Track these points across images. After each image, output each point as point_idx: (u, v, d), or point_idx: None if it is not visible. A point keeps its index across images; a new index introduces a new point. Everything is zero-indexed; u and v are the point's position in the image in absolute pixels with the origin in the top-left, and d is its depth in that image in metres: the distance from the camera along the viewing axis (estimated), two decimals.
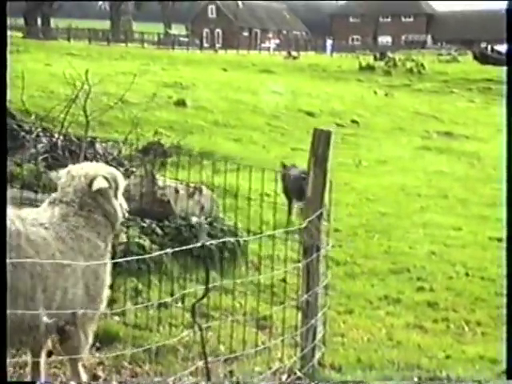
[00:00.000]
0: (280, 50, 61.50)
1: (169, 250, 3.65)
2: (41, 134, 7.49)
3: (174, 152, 9.30)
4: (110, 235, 3.97)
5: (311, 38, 79.98)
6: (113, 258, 4.10)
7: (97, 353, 4.71)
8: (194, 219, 6.34)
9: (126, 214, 4.13)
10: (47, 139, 7.35)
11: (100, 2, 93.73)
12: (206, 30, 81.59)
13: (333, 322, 5.71)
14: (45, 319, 3.40)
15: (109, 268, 3.98)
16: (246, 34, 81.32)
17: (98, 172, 3.92)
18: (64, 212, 3.79)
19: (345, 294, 6.57)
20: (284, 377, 4.60)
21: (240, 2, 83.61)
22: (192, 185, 6.79)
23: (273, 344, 4.87)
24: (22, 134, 7.32)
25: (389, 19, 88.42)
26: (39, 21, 53.03)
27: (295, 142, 14.71)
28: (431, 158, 15.52)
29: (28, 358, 4.00)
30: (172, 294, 5.17)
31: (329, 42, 67.35)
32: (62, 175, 3.95)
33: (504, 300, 6.15)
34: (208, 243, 3.81)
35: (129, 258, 3.92)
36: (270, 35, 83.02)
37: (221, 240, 4.84)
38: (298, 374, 4.57)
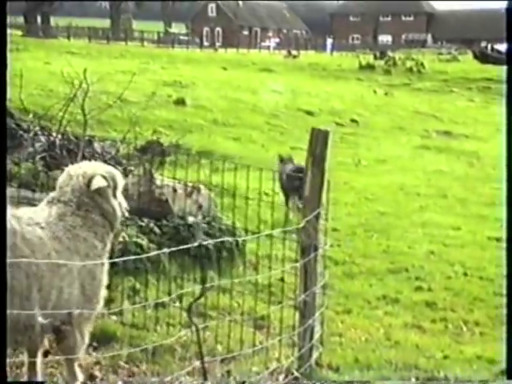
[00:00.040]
0: (280, 48, 61.48)
1: (165, 250, 3.64)
2: (39, 132, 7.47)
3: (172, 151, 9.29)
4: (109, 235, 3.96)
5: (311, 37, 79.93)
6: (111, 257, 4.09)
7: (94, 352, 4.71)
8: (191, 219, 6.33)
9: (126, 213, 4.12)
10: (45, 138, 7.34)
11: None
12: (206, 29, 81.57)
13: (331, 322, 5.70)
14: (40, 319, 3.39)
15: (106, 268, 3.97)
16: (246, 32, 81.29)
17: (96, 171, 3.90)
18: (61, 211, 3.78)
19: (343, 294, 6.56)
20: (281, 377, 4.59)
21: (240, 1, 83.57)
22: (190, 184, 6.78)
23: (270, 344, 4.86)
24: (20, 132, 7.30)
25: (389, 18, 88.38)
26: (39, 19, 53.00)
27: (294, 141, 14.67)
28: (430, 157, 15.51)
29: (25, 357, 3.99)
30: (170, 294, 5.16)
31: (329, 41, 67.29)
32: (61, 175, 3.95)
33: (502, 300, 6.16)
34: (204, 243, 3.78)
35: (125, 258, 3.90)
36: (270, 34, 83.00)
37: (218, 240, 4.82)
38: (296, 374, 4.56)
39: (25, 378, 4.00)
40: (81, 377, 3.96)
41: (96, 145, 7.44)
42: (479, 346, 5.58)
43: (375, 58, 39.82)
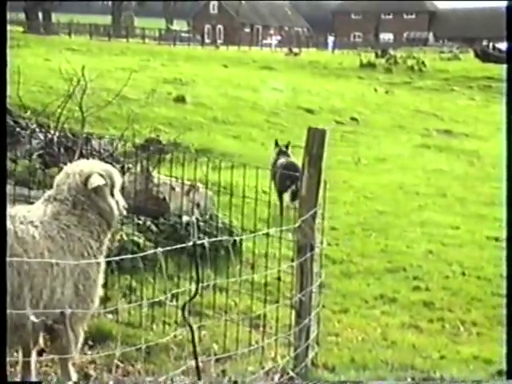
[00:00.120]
0: (281, 46, 61.44)
1: (159, 249, 3.62)
2: (37, 129, 7.45)
3: (171, 149, 9.27)
4: (106, 234, 3.94)
5: (313, 35, 79.88)
6: (109, 256, 4.07)
7: (89, 351, 4.70)
8: (185, 218, 6.31)
9: (124, 212, 4.11)
10: (43, 135, 7.32)
11: None
12: (207, 26, 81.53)
13: (327, 322, 5.68)
14: (32, 318, 3.38)
15: (102, 267, 3.95)
16: (247, 30, 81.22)
17: (93, 169, 3.89)
18: (56, 210, 3.77)
19: (340, 293, 6.55)
20: (277, 377, 4.58)
21: None
22: (188, 182, 6.76)
23: (266, 343, 4.84)
24: (18, 129, 7.29)
25: (390, 16, 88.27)
26: (40, 16, 52.93)
27: (294, 139, 14.62)
28: (430, 156, 15.48)
29: (19, 356, 3.98)
30: (166, 292, 5.14)
31: (330, 39, 67.26)
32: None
33: (500, 300, 6.16)
34: (199, 242, 3.77)
35: (119, 257, 3.89)
36: (272, 31, 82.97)
37: (212, 239, 4.81)
38: (291, 373, 4.55)
39: (18, 377, 3.99)
40: (74, 376, 3.95)
41: (94, 142, 7.41)
42: (476, 346, 5.56)
43: (376, 56, 39.77)
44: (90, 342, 4.77)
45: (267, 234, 5.06)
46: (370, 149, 15.67)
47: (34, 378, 3.98)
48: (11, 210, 3.67)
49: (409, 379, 4.83)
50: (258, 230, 5.17)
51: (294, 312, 4.73)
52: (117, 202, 3.98)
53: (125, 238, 5.83)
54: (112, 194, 3.95)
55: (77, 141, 6.97)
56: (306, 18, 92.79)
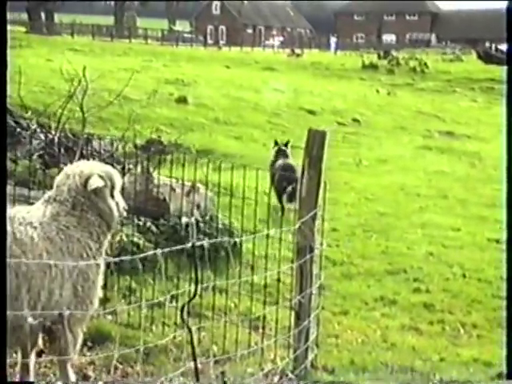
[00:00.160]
0: (284, 47, 61.44)
1: (158, 251, 3.62)
2: (37, 130, 7.45)
3: (172, 150, 9.26)
4: (105, 235, 3.94)
5: (315, 36, 79.88)
6: (108, 257, 4.06)
7: (88, 352, 4.69)
8: (184, 219, 6.30)
9: (125, 213, 4.10)
10: (44, 136, 7.32)
11: None
12: (210, 27, 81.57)
13: (327, 323, 5.68)
14: (29, 319, 3.37)
15: (101, 268, 3.94)
16: (249, 31, 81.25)
17: (93, 171, 3.88)
18: (55, 211, 3.77)
19: (340, 295, 6.54)
20: (276, 378, 4.57)
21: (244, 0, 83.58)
22: (188, 183, 6.75)
23: (266, 345, 4.84)
24: (19, 130, 7.29)
25: (393, 17, 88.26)
26: (43, 16, 52.97)
27: (296, 140, 14.62)
28: (432, 157, 15.47)
29: (18, 357, 3.98)
30: (169, 293, 5.13)
31: (333, 40, 67.24)
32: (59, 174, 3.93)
33: (500, 302, 6.14)
34: (198, 244, 3.76)
35: (118, 259, 3.88)
36: (274, 32, 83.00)
37: (211, 240, 4.80)
38: (290, 375, 4.54)
39: (17, 378, 3.98)
40: (73, 377, 3.94)
41: (95, 143, 7.41)
42: (476, 348, 5.55)
43: (379, 57, 39.76)
44: (89, 343, 4.77)
45: (267, 236, 5.04)
46: (371, 150, 15.66)
47: (32, 379, 3.98)
48: (10, 211, 3.66)
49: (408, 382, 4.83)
50: (258, 231, 5.16)
51: (293, 314, 4.72)
52: (117, 204, 3.98)
53: (124, 238, 5.82)
54: (112, 196, 3.95)
55: (77, 141, 6.97)
56: (308, 19, 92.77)
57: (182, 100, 17.86)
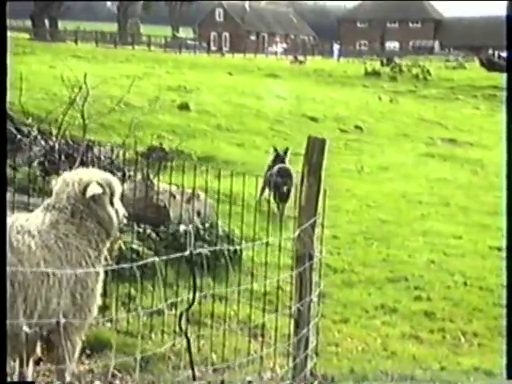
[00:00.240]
0: (287, 54, 61.53)
1: (156, 259, 3.60)
2: (38, 137, 7.45)
3: (174, 157, 9.26)
4: (104, 243, 3.92)
5: (318, 43, 79.98)
6: (107, 264, 4.05)
7: (87, 360, 4.68)
8: (182, 227, 6.29)
9: (125, 220, 4.09)
10: (44, 142, 7.32)
11: (108, 4, 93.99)
12: (213, 34, 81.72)
13: (327, 331, 5.66)
14: (25, 328, 3.35)
15: (101, 276, 3.93)
16: (253, 37, 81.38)
17: (92, 178, 3.87)
18: (54, 219, 3.75)
19: (341, 303, 6.52)
20: None
21: (247, 6, 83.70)
22: (189, 190, 6.74)
23: (265, 353, 4.82)
24: (19, 136, 7.29)
25: (396, 25, 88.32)
26: (47, 23, 53.14)
27: (298, 147, 14.62)
28: (434, 164, 15.44)
29: (16, 365, 3.96)
30: (165, 301, 5.12)
31: (336, 47, 67.30)
32: (58, 181, 3.92)
33: (502, 310, 6.11)
34: (195, 252, 3.74)
35: (116, 266, 3.88)
36: (278, 39, 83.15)
37: (209, 248, 4.79)
38: None
39: None
40: None
41: (96, 150, 7.41)
42: (477, 357, 5.53)
43: (382, 64, 39.77)
44: (88, 351, 4.75)
45: (267, 243, 5.03)
46: (373, 157, 15.65)
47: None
48: (9, 219, 3.65)
49: None
50: (259, 239, 5.15)
51: (292, 322, 4.70)
52: (116, 211, 3.96)
53: (123, 246, 5.81)
54: (111, 203, 3.93)
55: (78, 148, 6.97)
56: (311, 26, 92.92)
57: (185, 107, 17.86)
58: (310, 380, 4.71)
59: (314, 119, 19.75)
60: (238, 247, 5.25)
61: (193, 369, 3.79)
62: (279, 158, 9.92)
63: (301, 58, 49.77)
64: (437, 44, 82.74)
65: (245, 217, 5.35)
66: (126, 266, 3.90)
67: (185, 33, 77.64)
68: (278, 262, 5.05)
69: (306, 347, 4.66)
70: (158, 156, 8.92)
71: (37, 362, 4.11)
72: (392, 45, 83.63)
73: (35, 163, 6.83)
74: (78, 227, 3.78)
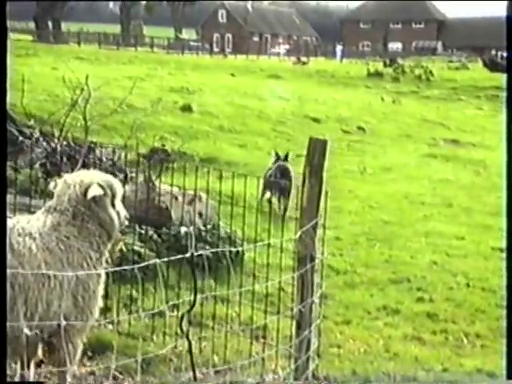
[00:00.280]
0: (290, 55, 61.53)
1: (157, 260, 3.60)
2: (40, 138, 7.45)
3: (176, 158, 9.27)
4: (106, 244, 3.91)
5: (321, 44, 79.99)
6: (110, 266, 4.05)
7: (88, 362, 4.67)
8: (183, 229, 6.29)
9: (126, 222, 4.08)
10: (46, 144, 7.32)
11: (110, 5, 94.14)
12: (216, 35, 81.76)
13: (330, 333, 5.65)
14: (25, 331, 3.35)
15: (102, 278, 3.92)
16: (256, 38, 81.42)
17: (93, 180, 3.87)
18: (56, 221, 3.75)
19: (343, 304, 6.51)
20: None
21: (250, 7, 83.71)
22: (191, 192, 6.74)
23: (267, 355, 4.81)
24: (21, 138, 7.29)
25: (399, 25, 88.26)
26: (50, 24, 53.22)
27: (300, 148, 14.60)
28: (437, 165, 15.42)
29: (17, 367, 3.96)
30: (167, 303, 5.11)
31: (339, 48, 67.29)
32: (58, 183, 3.91)
33: (504, 312, 6.09)
34: (196, 253, 3.74)
35: (118, 268, 3.88)
36: (280, 40, 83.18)
37: (210, 250, 4.79)
38: None
39: None
40: None
41: (98, 151, 7.41)
42: (480, 358, 5.52)
43: (385, 65, 39.74)
44: (90, 353, 4.74)
45: (269, 244, 5.02)
46: (376, 158, 15.63)
47: None
48: (9, 222, 3.64)
49: None
50: (260, 240, 5.14)
51: (294, 323, 4.69)
52: (117, 213, 3.96)
53: (124, 248, 5.80)
54: (113, 205, 3.93)
55: (80, 150, 6.97)
56: (314, 27, 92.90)
57: (187, 108, 17.85)
58: (311, 382, 4.70)
59: (316, 120, 19.73)
60: (239, 249, 5.24)
61: (194, 371, 3.78)
62: (280, 161, 9.98)
63: (303, 58, 49.78)
64: (440, 45, 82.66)
65: (246, 218, 5.33)
66: (127, 267, 3.91)
67: (188, 34, 77.69)
68: (279, 263, 5.05)
69: (308, 349, 4.66)
70: (160, 157, 8.92)
71: (38, 365, 4.11)
72: (395, 45, 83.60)
73: (37, 165, 6.83)
74: (79, 229, 3.78)
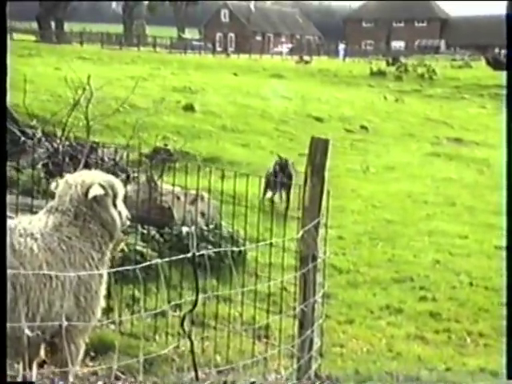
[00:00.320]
0: (292, 54, 61.49)
1: (158, 260, 3.60)
2: (42, 139, 7.46)
3: (179, 158, 9.26)
4: (107, 245, 3.91)
5: (324, 43, 79.94)
6: (112, 266, 4.04)
7: (91, 362, 4.67)
8: (185, 228, 6.28)
9: (128, 222, 4.08)
10: (49, 144, 7.33)
11: (113, 5, 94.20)
12: (219, 35, 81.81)
13: (332, 332, 5.65)
14: (27, 331, 3.35)
15: (104, 279, 3.92)
16: (258, 38, 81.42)
17: (94, 180, 3.87)
18: (58, 221, 3.75)
19: (346, 304, 6.50)
20: None
21: (253, 7, 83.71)
22: (193, 191, 6.73)
23: (269, 354, 4.81)
24: (23, 138, 7.29)
25: (402, 24, 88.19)
26: (53, 25, 53.30)
27: (303, 147, 14.58)
28: (440, 164, 15.39)
29: (20, 368, 3.96)
30: (169, 302, 5.11)
31: (341, 47, 67.22)
32: (60, 184, 3.91)
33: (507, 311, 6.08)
34: (198, 253, 3.73)
35: (120, 269, 3.87)
36: (283, 39, 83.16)
37: (212, 250, 4.78)
38: None
39: None
40: None
41: (100, 151, 7.41)
42: (483, 357, 5.51)
43: (387, 64, 39.71)
44: (92, 353, 4.75)
45: (271, 244, 5.02)
46: (379, 157, 15.61)
47: None
48: (11, 222, 3.64)
49: None
50: (263, 239, 5.13)
51: (297, 323, 4.69)
52: (119, 213, 3.96)
53: (126, 248, 5.80)
54: (114, 205, 3.93)
55: (82, 150, 6.97)
56: (317, 26, 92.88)
57: (190, 108, 17.84)
58: (314, 381, 4.70)
59: (319, 119, 19.72)
60: (242, 248, 5.24)
61: (196, 370, 3.78)
62: (281, 163, 10.05)
63: (306, 58, 49.73)
64: (443, 43, 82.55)
65: (249, 217, 5.33)
66: (129, 268, 3.90)
67: (190, 34, 77.74)
68: (282, 262, 5.04)
69: (311, 348, 4.65)
70: (162, 157, 8.92)
71: (41, 365, 4.11)
72: (398, 44, 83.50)
73: (39, 165, 6.83)
74: (81, 229, 3.78)
